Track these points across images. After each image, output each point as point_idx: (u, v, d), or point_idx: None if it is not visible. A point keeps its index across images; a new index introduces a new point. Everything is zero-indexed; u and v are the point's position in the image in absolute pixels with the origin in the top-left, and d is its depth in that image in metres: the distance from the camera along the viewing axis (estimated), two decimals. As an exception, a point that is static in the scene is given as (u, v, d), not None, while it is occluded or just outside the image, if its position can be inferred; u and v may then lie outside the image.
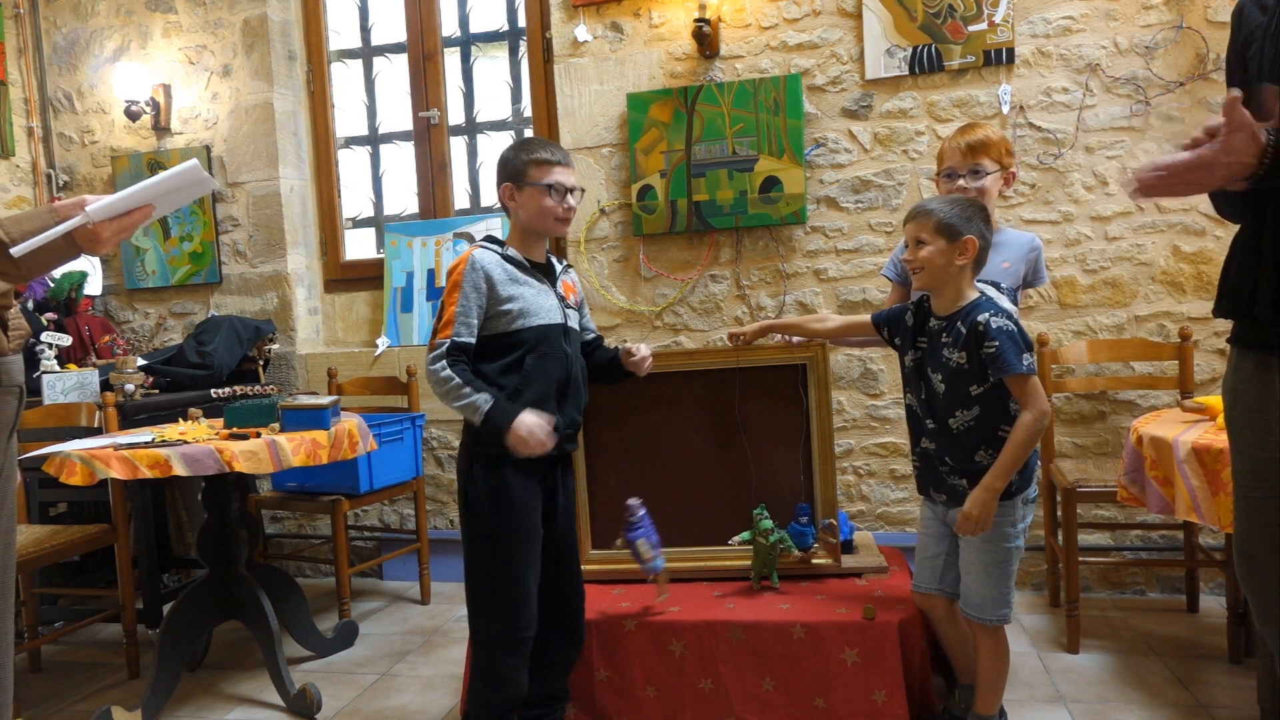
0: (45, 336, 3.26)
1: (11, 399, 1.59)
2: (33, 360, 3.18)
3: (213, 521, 2.61)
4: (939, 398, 1.94)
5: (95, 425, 2.88)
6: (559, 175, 1.99)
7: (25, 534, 2.73)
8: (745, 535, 2.30)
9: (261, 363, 3.69)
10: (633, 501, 2.17)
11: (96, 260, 3.86)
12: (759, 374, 2.43)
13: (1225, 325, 1.49)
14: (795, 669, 2.11)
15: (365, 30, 3.94)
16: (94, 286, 3.80)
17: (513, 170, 2.00)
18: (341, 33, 3.97)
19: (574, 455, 2.18)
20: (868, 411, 3.25)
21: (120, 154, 3.95)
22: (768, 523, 2.25)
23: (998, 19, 3.04)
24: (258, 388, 3.52)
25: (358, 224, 4.02)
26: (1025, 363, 1.83)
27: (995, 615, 1.95)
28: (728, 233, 3.31)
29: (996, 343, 1.83)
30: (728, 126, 3.23)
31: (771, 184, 3.20)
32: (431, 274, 3.71)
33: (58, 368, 3.24)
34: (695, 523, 2.46)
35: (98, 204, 1.47)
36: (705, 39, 3.22)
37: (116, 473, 2.20)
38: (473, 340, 1.93)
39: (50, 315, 3.52)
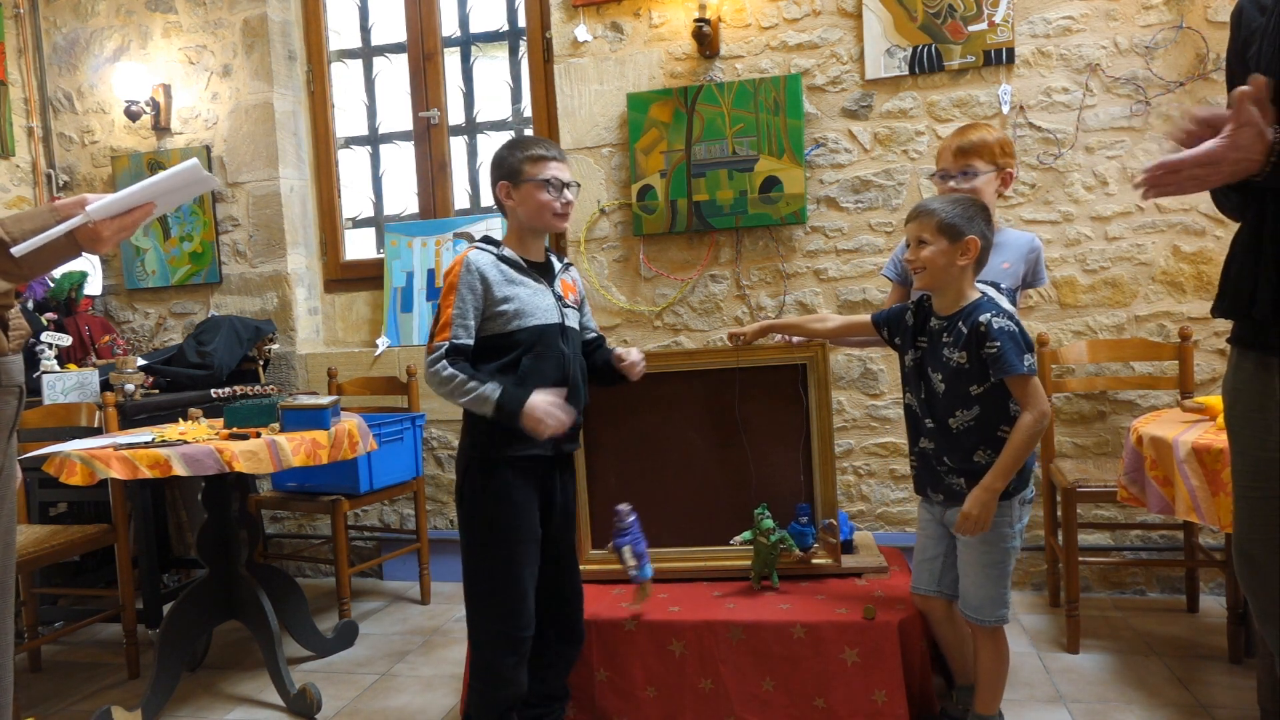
0: (45, 336, 3.26)
1: (11, 399, 1.59)
2: (33, 360, 3.18)
3: (213, 521, 2.61)
4: (939, 397, 1.94)
5: (95, 425, 2.88)
6: (555, 170, 1.98)
7: (25, 534, 2.73)
8: (746, 535, 2.30)
9: (261, 363, 3.69)
10: (622, 507, 2.13)
11: (96, 260, 3.86)
12: (759, 374, 2.43)
13: (1225, 325, 1.49)
14: (795, 669, 2.11)
15: (365, 30, 3.94)
16: (94, 286, 3.80)
17: (508, 168, 2.00)
18: (341, 33, 3.97)
19: (574, 455, 2.18)
20: (868, 411, 3.25)
21: (120, 154, 3.95)
22: (769, 522, 2.25)
23: (998, 19, 3.04)
24: (258, 388, 3.52)
25: (358, 224, 4.02)
26: (1026, 363, 1.83)
27: (993, 616, 1.95)
28: (728, 233, 3.31)
29: (998, 343, 1.83)
30: (728, 126, 3.23)
31: (771, 184, 3.20)
32: (431, 274, 3.71)
33: (58, 368, 3.24)
34: (695, 523, 2.47)
35: (98, 203, 1.47)
36: (705, 39, 3.22)
37: (116, 473, 2.20)
38: (471, 342, 1.93)
39: (50, 315, 3.52)
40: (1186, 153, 1.23)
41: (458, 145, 3.85)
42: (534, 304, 1.98)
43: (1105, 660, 2.56)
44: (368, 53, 3.95)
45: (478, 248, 2.00)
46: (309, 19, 3.89)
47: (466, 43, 3.82)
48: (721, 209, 3.25)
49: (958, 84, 3.11)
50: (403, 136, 3.90)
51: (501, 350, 1.95)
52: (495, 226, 3.64)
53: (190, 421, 2.70)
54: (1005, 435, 1.88)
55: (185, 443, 2.32)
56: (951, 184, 2.18)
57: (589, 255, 3.47)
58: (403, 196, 3.94)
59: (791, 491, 2.42)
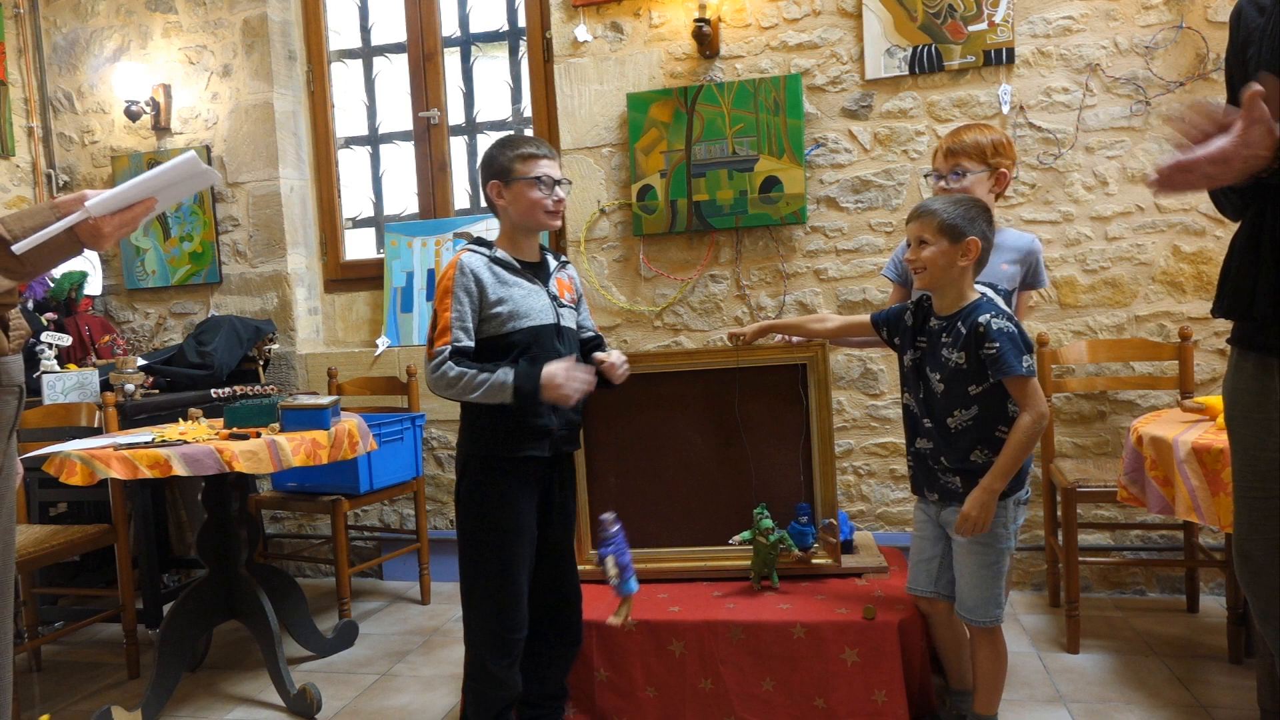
0: (45, 336, 3.26)
1: (11, 399, 1.59)
2: (33, 360, 3.18)
3: (213, 521, 2.61)
4: (937, 398, 1.94)
5: (95, 425, 2.87)
6: (546, 168, 1.98)
7: (25, 534, 2.72)
8: (745, 535, 2.30)
9: (261, 363, 3.69)
10: (606, 516, 2.07)
11: (96, 260, 3.86)
12: (759, 374, 2.43)
13: (1225, 325, 1.49)
14: (795, 669, 2.11)
15: (365, 30, 3.94)
16: (94, 286, 3.80)
17: (499, 167, 1.99)
18: (341, 33, 3.97)
19: (574, 455, 2.18)
20: (868, 411, 3.25)
21: (120, 154, 3.95)
22: (768, 522, 2.25)
23: (998, 19, 3.04)
24: (258, 388, 3.52)
25: (358, 224, 4.02)
26: (1025, 364, 1.83)
27: (988, 616, 1.95)
28: (728, 233, 3.31)
29: (997, 344, 1.83)
30: (728, 126, 3.23)
31: (771, 184, 3.20)
32: (431, 274, 3.71)
33: (58, 368, 3.24)
34: (695, 522, 2.47)
35: (98, 198, 1.47)
36: (705, 39, 3.22)
37: (116, 473, 2.20)
38: (472, 344, 1.93)
39: (50, 315, 3.52)
40: (1199, 152, 1.23)
41: (458, 145, 3.85)
42: (528, 305, 1.97)
43: (1105, 660, 2.56)
44: (368, 53, 3.95)
45: (470, 250, 1.99)
46: (309, 19, 3.89)
47: (466, 43, 3.82)
48: (721, 209, 3.25)
49: (958, 84, 3.11)
50: (403, 136, 3.90)
51: (497, 353, 1.94)
52: (495, 226, 3.61)
53: (190, 421, 2.70)
54: (1003, 435, 1.88)
55: (185, 443, 2.32)
56: (942, 184, 2.19)
57: (589, 255, 3.47)
58: (403, 196, 3.94)
59: (791, 491, 2.42)
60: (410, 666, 2.81)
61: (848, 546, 2.48)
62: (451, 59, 3.84)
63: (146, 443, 2.32)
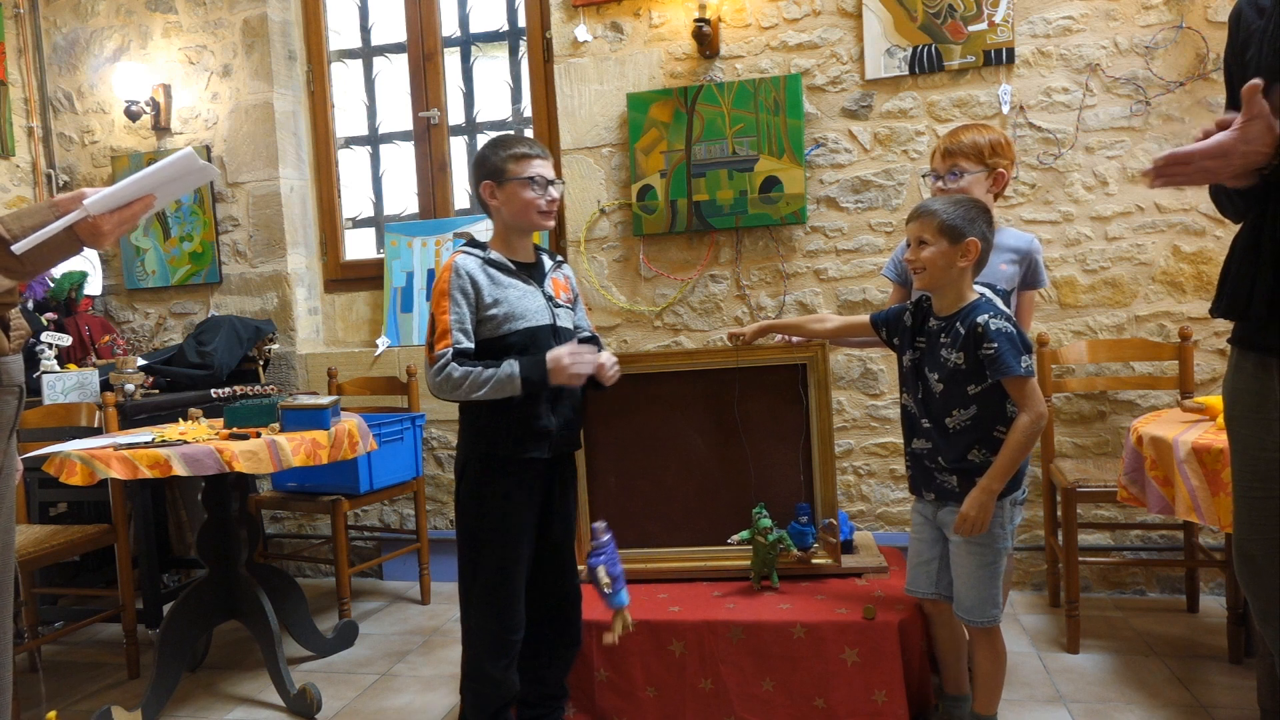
0: (45, 336, 3.26)
1: (11, 399, 1.59)
2: (33, 360, 3.18)
3: (213, 521, 2.61)
4: (935, 398, 1.94)
5: (95, 425, 2.87)
6: (538, 167, 1.98)
7: (25, 534, 2.73)
8: (744, 534, 2.30)
9: (261, 363, 3.69)
10: (597, 525, 2.06)
11: (96, 260, 3.86)
12: (759, 374, 2.43)
13: (1225, 325, 1.49)
14: (795, 669, 2.11)
15: (365, 30, 3.94)
16: (94, 286, 3.80)
17: (491, 168, 1.98)
18: (341, 33, 3.97)
19: (574, 455, 2.18)
20: (868, 411, 3.25)
21: (120, 154, 3.95)
22: (766, 521, 2.25)
23: (998, 19, 3.04)
24: (258, 388, 3.52)
25: (358, 224, 4.02)
26: (1024, 365, 1.83)
27: (986, 617, 1.95)
28: (728, 233, 3.31)
29: (995, 344, 1.83)
30: (728, 126, 3.23)
31: (771, 184, 3.20)
32: (431, 274, 3.71)
33: (58, 368, 3.24)
34: (695, 522, 2.47)
35: (96, 196, 1.47)
36: (705, 39, 3.22)
37: (116, 473, 2.20)
38: (472, 345, 1.92)
39: (50, 315, 3.52)
40: (1196, 145, 1.23)
41: (458, 145, 3.85)
42: (524, 306, 1.96)
43: (1105, 660, 2.56)
44: (368, 53, 3.95)
45: (464, 252, 1.99)
46: (309, 19, 3.89)
47: (466, 43, 3.82)
48: (721, 209, 3.25)
49: (958, 84, 3.11)
50: (403, 136, 3.90)
51: (494, 355, 1.93)
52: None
53: (190, 421, 2.70)
54: (1001, 435, 1.88)
55: (185, 443, 2.32)
56: (940, 185, 2.19)
57: (589, 255, 3.47)
58: (403, 196, 3.94)
59: (791, 491, 2.42)
60: (410, 666, 2.81)
61: (848, 546, 2.48)
62: (451, 59, 3.84)
63: (146, 443, 2.32)
